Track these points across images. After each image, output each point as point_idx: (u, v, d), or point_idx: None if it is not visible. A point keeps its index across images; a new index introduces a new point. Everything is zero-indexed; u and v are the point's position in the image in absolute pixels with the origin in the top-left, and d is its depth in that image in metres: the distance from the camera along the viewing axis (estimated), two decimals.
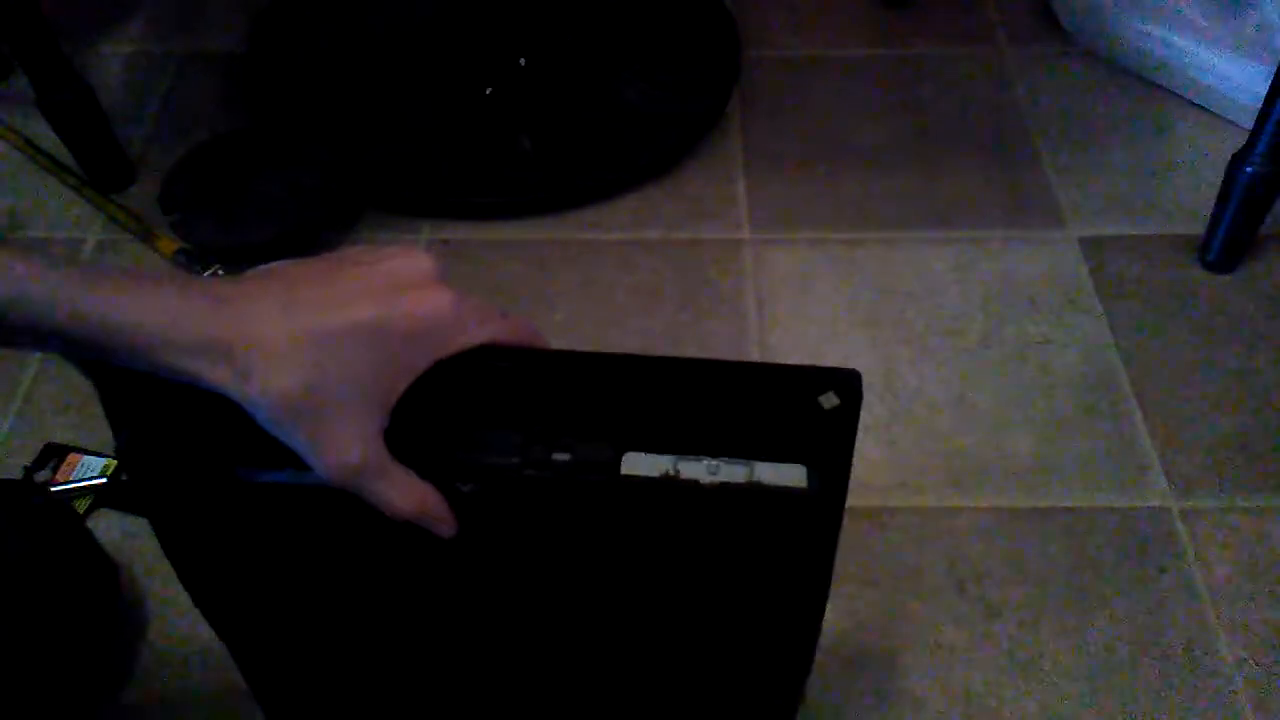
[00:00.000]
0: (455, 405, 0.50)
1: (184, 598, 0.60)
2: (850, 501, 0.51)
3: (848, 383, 0.48)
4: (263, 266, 0.49)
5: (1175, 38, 1.24)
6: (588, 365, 0.51)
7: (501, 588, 0.56)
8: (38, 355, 1.03)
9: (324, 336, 0.45)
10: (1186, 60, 1.23)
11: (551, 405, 0.51)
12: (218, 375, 0.45)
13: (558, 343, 0.54)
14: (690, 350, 1.03)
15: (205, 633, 0.63)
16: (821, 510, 0.49)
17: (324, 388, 0.45)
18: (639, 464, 0.49)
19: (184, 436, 0.51)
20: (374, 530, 0.50)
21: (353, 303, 0.46)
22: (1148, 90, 1.28)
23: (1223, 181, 1.05)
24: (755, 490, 0.48)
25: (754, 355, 1.04)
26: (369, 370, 0.46)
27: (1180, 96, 1.26)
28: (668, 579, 0.54)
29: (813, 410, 0.47)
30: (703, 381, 0.49)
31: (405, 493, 0.49)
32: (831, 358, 0.94)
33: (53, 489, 0.93)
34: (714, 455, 0.49)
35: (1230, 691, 0.81)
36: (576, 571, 0.54)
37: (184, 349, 0.44)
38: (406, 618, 0.59)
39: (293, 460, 0.46)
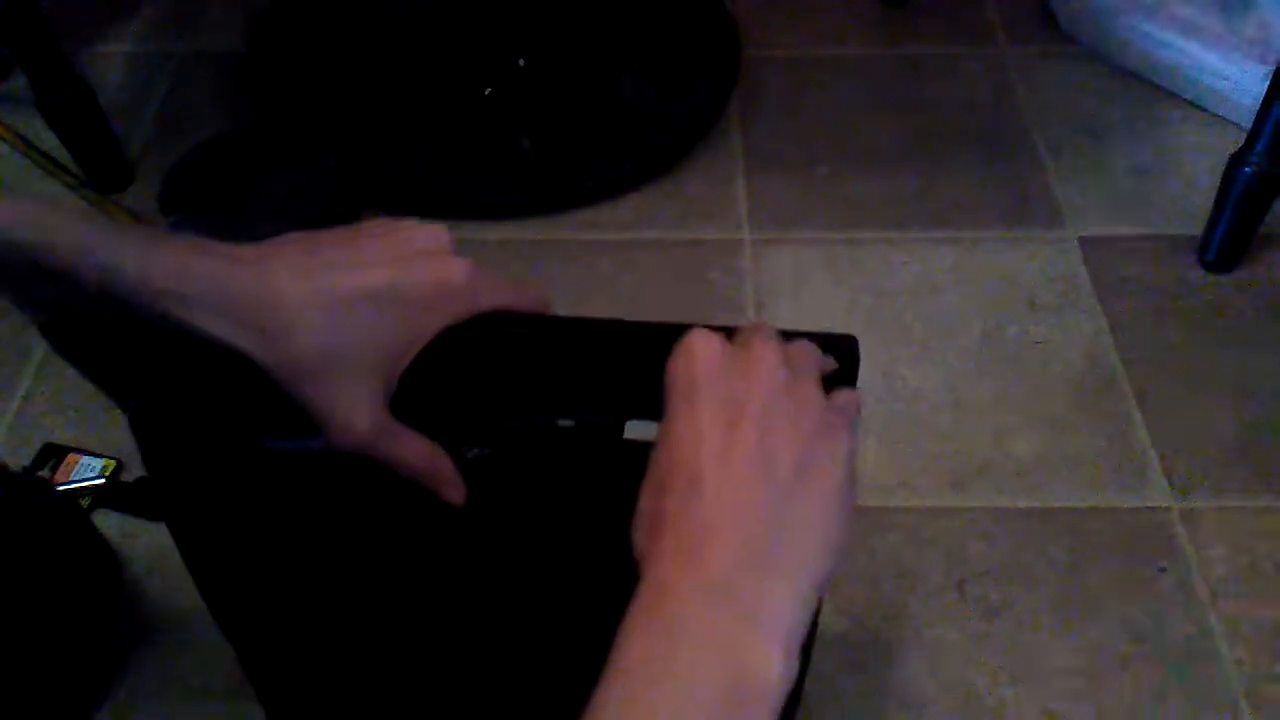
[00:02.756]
0: (461, 370, 0.50)
1: (182, 597, 0.60)
2: None
3: (846, 347, 0.48)
4: (282, 236, 0.50)
5: (1175, 38, 1.24)
6: (591, 331, 0.51)
7: (508, 563, 0.56)
8: (37, 355, 1.03)
9: (340, 299, 0.46)
10: (1186, 60, 1.23)
11: (556, 371, 0.51)
12: (234, 333, 0.45)
13: None
14: None
15: (203, 631, 0.63)
16: None
17: (337, 351, 0.46)
18: (642, 429, 0.49)
19: (194, 405, 0.51)
20: (382, 504, 0.50)
21: (369, 267, 0.47)
22: (1148, 90, 1.28)
23: (1222, 181, 1.05)
24: None
25: None
26: (381, 334, 0.47)
27: (1180, 96, 1.26)
28: None
29: None
30: None
31: (413, 450, 0.49)
32: None
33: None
34: None
35: (1230, 691, 0.81)
36: (581, 539, 0.54)
37: (202, 306, 0.45)
38: (414, 605, 0.59)
39: (300, 427, 0.47)
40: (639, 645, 0.37)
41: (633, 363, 0.49)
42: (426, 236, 0.50)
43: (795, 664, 0.38)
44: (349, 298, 0.46)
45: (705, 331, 0.44)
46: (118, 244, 0.45)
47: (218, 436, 0.52)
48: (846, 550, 0.40)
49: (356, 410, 0.47)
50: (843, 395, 0.45)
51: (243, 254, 0.47)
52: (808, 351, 0.46)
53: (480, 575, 0.57)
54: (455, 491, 0.51)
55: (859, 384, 0.49)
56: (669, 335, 0.49)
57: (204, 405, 0.51)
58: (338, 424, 0.47)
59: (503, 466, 0.52)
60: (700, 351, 0.43)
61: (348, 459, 0.48)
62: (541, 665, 0.61)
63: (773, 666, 0.37)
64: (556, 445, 0.51)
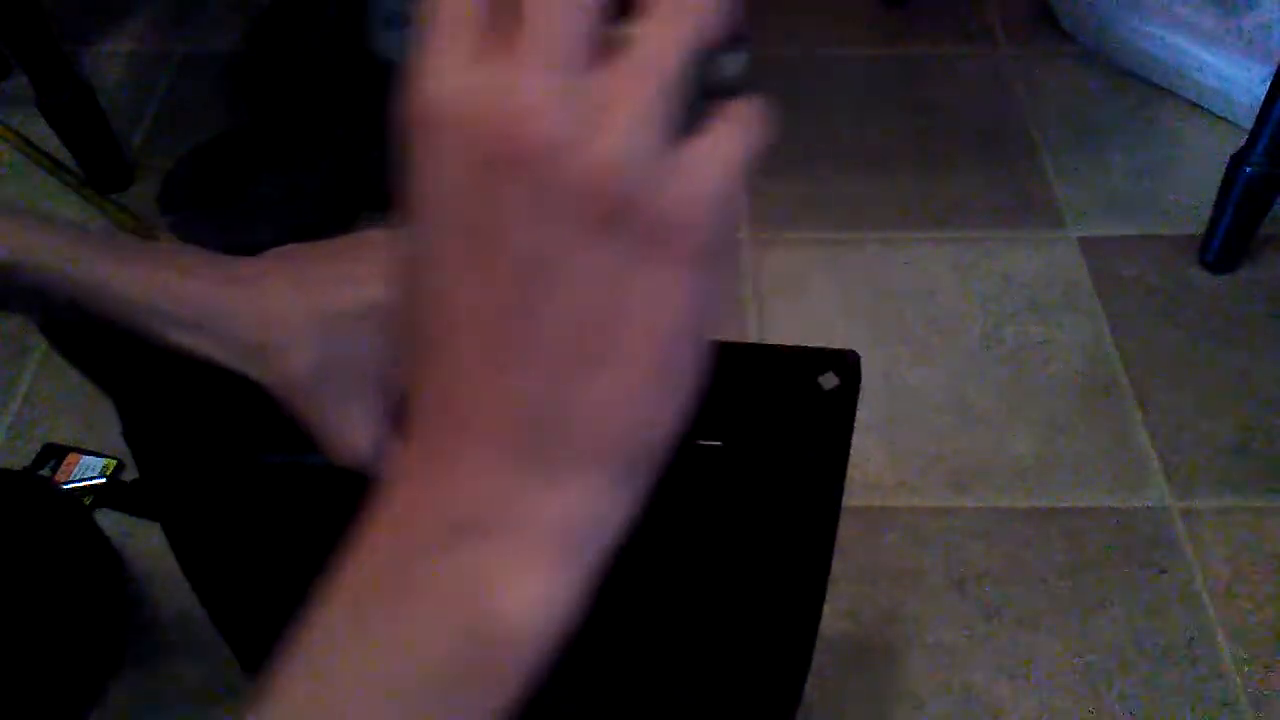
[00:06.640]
0: None
1: (183, 596, 0.60)
2: (850, 501, 0.51)
3: (847, 363, 0.48)
4: (278, 248, 0.49)
5: (1175, 38, 1.24)
6: None
7: None
8: (37, 355, 1.03)
9: (338, 315, 0.45)
10: (1186, 60, 1.23)
11: None
12: (230, 355, 0.45)
13: None
14: None
15: (204, 630, 0.63)
16: (825, 464, 0.49)
17: (333, 370, 0.45)
18: None
19: (191, 421, 0.51)
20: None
21: (365, 282, 0.46)
22: (1148, 90, 1.28)
23: (1222, 181, 1.05)
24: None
25: None
26: (379, 351, 0.46)
27: (1180, 96, 1.26)
28: (671, 562, 0.54)
29: (812, 391, 0.48)
30: None
31: None
32: None
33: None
34: (713, 434, 0.49)
35: (1230, 691, 0.81)
36: None
37: (197, 328, 0.45)
38: None
39: (299, 442, 0.47)
40: (348, 589, 0.30)
41: None
42: None
43: (581, 573, 0.28)
44: (348, 314, 0.45)
45: (450, 29, 0.25)
46: (101, 262, 0.44)
47: (216, 452, 0.52)
48: (678, 420, 0.28)
49: (357, 428, 0.46)
50: (717, 132, 0.26)
51: (237, 272, 0.46)
52: (664, 35, 0.25)
53: None
54: None
55: (860, 391, 0.49)
56: None
57: (201, 420, 0.51)
58: (338, 442, 0.46)
59: None
60: (445, 103, 0.25)
61: (348, 473, 0.48)
62: (557, 674, 0.61)
63: (529, 593, 0.28)
64: None
